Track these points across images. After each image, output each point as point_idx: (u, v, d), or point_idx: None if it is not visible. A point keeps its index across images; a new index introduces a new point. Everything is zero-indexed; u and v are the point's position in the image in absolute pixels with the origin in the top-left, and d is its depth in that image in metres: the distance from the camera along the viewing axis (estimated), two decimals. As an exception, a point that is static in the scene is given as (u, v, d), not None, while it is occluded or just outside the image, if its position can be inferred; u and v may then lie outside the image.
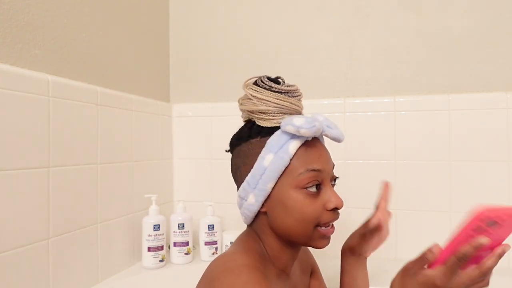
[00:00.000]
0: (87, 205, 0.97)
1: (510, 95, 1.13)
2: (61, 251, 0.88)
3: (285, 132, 0.63)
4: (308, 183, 0.62)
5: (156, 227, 1.12)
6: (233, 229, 1.28)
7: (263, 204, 0.65)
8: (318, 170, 0.63)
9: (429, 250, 0.53)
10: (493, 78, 1.16)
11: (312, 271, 0.84)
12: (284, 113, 0.65)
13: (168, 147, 1.38)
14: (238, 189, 0.69)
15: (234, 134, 0.70)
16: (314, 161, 0.63)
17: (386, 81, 1.24)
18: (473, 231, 0.50)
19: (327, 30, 1.29)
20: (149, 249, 1.12)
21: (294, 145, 0.62)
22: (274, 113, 0.65)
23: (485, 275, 0.51)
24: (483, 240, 0.49)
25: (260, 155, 0.63)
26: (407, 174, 1.20)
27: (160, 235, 1.13)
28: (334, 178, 0.68)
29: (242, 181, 0.66)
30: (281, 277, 0.67)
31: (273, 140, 0.63)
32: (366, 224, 0.78)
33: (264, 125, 0.65)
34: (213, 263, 0.63)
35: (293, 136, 0.63)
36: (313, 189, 0.62)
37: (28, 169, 0.79)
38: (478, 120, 1.15)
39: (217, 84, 1.39)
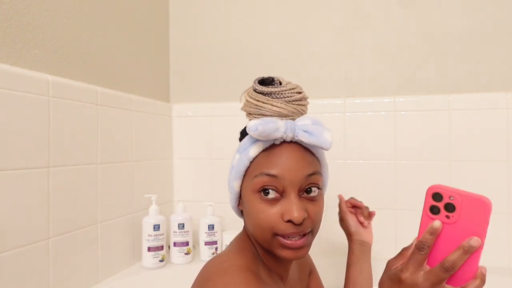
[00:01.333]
0: (87, 205, 0.97)
1: (510, 95, 1.13)
2: (61, 251, 0.88)
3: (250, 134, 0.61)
4: (262, 187, 0.59)
5: (156, 227, 1.13)
6: (233, 229, 1.28)
7: (239, 202, 0.67)
8: (273, 176, 0.59)
9: (406, 248, 0.52)
10: (493, 78, 1.16)
11: (311, 273, 0.85)
12: (265, 115, 0.62)
13: (168, 147, 1.38)
14: None
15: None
16: (271, 166, 0.59)
17: (386, 81, 1.24)
18: (430, 213, 0.49)
19: (327, 30, 1.29)
20: (149, 249, 1.12)
21: (256, 148, 0.61)
22: (255, 114, 0.63)
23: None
24: (436, 223, 0.47)
25: (236, 152, 0.66)
26: (407, 174, 1.20)
27: (160, 235, 1.13)
28: (307, 189, 0.61)
29: None
30: (276, 278, 0.67)
31: (243, 141, 0.65)
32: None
33: None
34: (208, 264, 0.63)
35: (258, 140, 0.61)
36: (268, 195, 0.59)
37: (28, 169, 0.79)
38: (478, 120, 1.15)
39: (217, 84, 1.39)
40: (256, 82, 0.64)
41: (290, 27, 1.32)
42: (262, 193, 0.60)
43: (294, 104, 0.63)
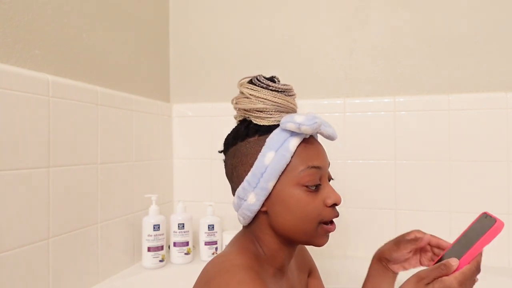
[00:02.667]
0: (87, 205, 0.97)
1: (510, 95, 1.13)
2: (61, 251, 0.88)
3: (285, 130, 0.63)
4: (309, 180, 0.62)
5: (156, 227, 1.12)
6: (233, 229, 1.28)
7: (263, 203, 0.64)
8: (318, 167, 0.63)
9: (445, 265, 0.53)
10: (493, 78, 1.16)
11: (311, 271, 0.84)
12: (281, 112, 0.65)
13: (168, 147, 1.38)
14: (234, 190, 0.68)
15: (229, 134, 0.70)
16: (313, 158, 0.64)
17: (386, 81, 1.24)
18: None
19: (327, 30, 1.29)
20: (149, 249, 1.12)
21: (294, 142, 0.62)
22: (271, 111, 0.65)
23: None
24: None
25: (260, 153, 0.63)
26: (407, 174, 1.20)
27: (160, 235, 1.13)
28: (330, 177, 0.68)
29: (240, 181, 0.65)
30: (277, 277, 0.67)
31: (273, 138, 0.63)
32: (405, 233, 0.73)
33: (261, 124, 0.65)
34: (209, 264, 0.63)
35: (292, 134, 0.63)
36: (313, 186, 0.62)
37: (28, 169, 0.79)
38: (478, 120, 1.15)
39: (217, 84, 1.39)
40: (264, 79, 0.66)
41: (290, 27, 1.32)
42: (307, 186, 0.62)
43: (295, 101, 0.69)
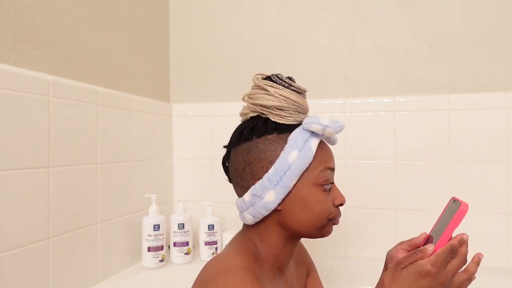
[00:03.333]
0: (87, 205, 0.97)
1: (510, 95, 1.13)
2: (61, 251, 0.88)
3: (306, 130, 0.65)
4: (325, 180, 0.65)
5: (156, 227, 1.13)
6: (233, 229, 1.28)
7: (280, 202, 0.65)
8: (332, 169, 0.67)
9: (421, 250, 0.56)
10: (493, 78, 1.16)
11: (309, 271, 0.84)
12: (300, 112, 0.67)
13: (168, 147, 1.38)
14: (242, 187, 0.67)
15: (242, 129, 0.68)
16: (329, 159, 0.67)
17: (386, 81, 1.24)
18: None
19: (327, 30, 1.29)
20: (149, 249, 1.12)
21: (315, 143, 0.64)
22: (292, 110, 0.66)
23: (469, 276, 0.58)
24: (465, 236, 0.57)
25: (283, 151, 0.63)
26: (407, 174, 1.20)
27: (160, 235, 1.13)
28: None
29: (254, 179, 0.65)
30: (276, 277, 0.67)
31: (297, 137, 0.64)
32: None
33: (280, 122, 0.66)
34: (207, 264, 0.63)
35: (312, 134, 0.65)
36: (328, 186, 0.65)
37: (28, 169, 0.79)
38: (478, 120, 1.15)
39: (217, 84, 1.39)
40: (286, 78, 0.67)
41: (290, 27, 1.32)
42: (324, 186, 0.65)
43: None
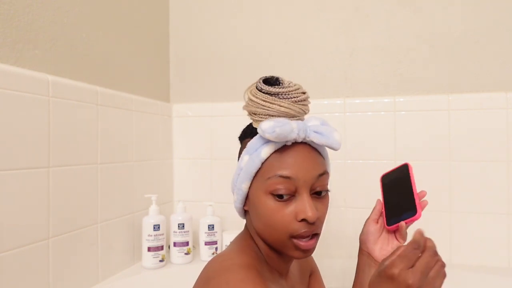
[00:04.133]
0: (87, 205, 0.97)
1: (510, 95, 1.13)
2: (61, 251, 0.88)
3: (260, 135, 0.61)
4: (276, 189, 0.60)
5: (156, 227, 1.12)
6: (233, 229, 1.28)
7: (245, 203, 0.67)
8: (287, 177, 0.60)
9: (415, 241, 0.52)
10: (493, 78, 1.16)
11: (312, 273, 0.84)
12: (272, 115, 0.62)
13: (168, 147, 1.38)
14: None
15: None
16: (285, 167, 0.60)
17: (386, 81, 1.24)
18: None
19: (327, 30, 1.29)
20: (149, 249, 1.12)
21: (268, 149, 0.61)
22: (262, 115, 0.62)
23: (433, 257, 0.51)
24: (421, 230, 0.53)
25: (241, 155, 0.66)
26: (407, 174, 1.20)
27: (160, 235, 1.13)
28: (318, 191, 0.63)
29: None
30: (277, 276, 0.68)
31: (252, 142, 0.63)
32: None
33: (255, 126, 0.64)
34: (210, 263, 0.63)
35: (269, 140, 0.61)
36: (281, 196, 0.60)
37: (28, 169, 0.79)
38: (478, 120, 1.15)
39: (217, 84, 1.39)
40: (261, 81, 0.63)
41: (290, 27, 1.32)
42: (275, 195, 0.60)
43: (299, 104, 0.63)
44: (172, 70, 1.44)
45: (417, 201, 0.67)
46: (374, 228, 0.73)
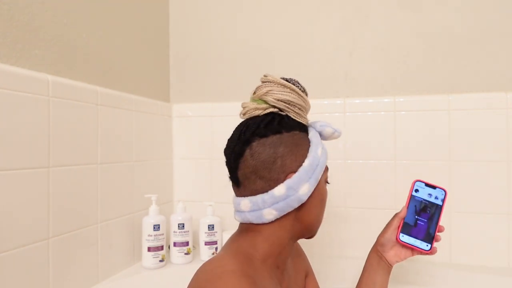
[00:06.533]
0: (87, 205, 0.97)
1: (510, 95, 1.13)
2: (61, 251, 0.88)
3: (316, 132, 0.71)
4: (327, 177, 0.73)
5: (156, 227, 1.13)
6: (233, 229, 1.28)
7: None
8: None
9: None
10: (493, 78, 1.16)
11: (307, 274, 0.85)
12: (306, 117, 0.73)
13: (168, 147, 1.38)
14: (271, 179, 0.64)
15: (268, 121, 0.66)
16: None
17: (386, 81, 1.24)
18: None
19: (327, 30, 1.29)
20: (149, 249, 1.12)
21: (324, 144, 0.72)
22: (306, 112, 0.72)
23: None
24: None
25: (311, 147, 0.67)
26: (407, 174, 1.20)
27: (160, 235, 1.13)
28: None
29: (286, 172, 0.64)
30: (273, 279, 0.65)
31: (316, 136, 0.69)
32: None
33: (299, 121, 0.70)
34: (199, 270, 0.60)
35: (320, 136, 0.72)
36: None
37: (28, 169, 0.79)
38: (478, 120, 1.15)
39: (217, 84, 1.39)
40: (299, 84, 0.72)
41: (290, 26, 1.32)
42: (327, 182, 0.73)
43: None
44: (172, 70, 1.44)
45: (436, 237, 0.76)
46: (394, 236, 0.80)
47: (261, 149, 0.64)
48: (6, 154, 0.75)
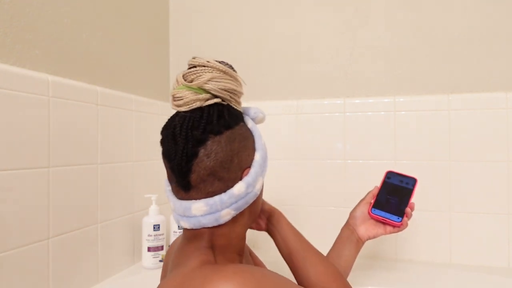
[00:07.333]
0: (87, 205, 0.97)
1: (510, 95, 1.13)
2: (61, 251, 0.88)
3: (249, 119, 0.65)
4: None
5: (156, 227, 1.13)
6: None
7: None
8: None
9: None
10: (493, 78, 1.16)
11: (250, 252, 0.83)
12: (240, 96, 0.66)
13: (168, 147, 1.38)
14: (229, 179, 0.59)
15: (219, 116, 0.59)
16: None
17: (386, 81, 1.24)
18: None
19: (327, 30, 1.29)
20: (149, 249, 1.12)
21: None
22: (239, 96, 0.65)
23: None
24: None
25: (256, 137, 0.64)
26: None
27: (160, 235, 1.13)
28: None
29: (242, 169, 0.60)
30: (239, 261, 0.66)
31: (253, 125, 0.65)
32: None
33: (239, 109, 0.65)
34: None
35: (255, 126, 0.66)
36: None
37: (28, 169, 0.79)
38: (478, 120, 1.15)
39: (217, 84, 1.39)
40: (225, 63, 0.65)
41: (290, 27, 1.32)
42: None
43: None
44: (172, 70, 1.44)
45: (406, 213, 0.79)
46: (366, 209, 0.84)
47: (217, 148, 0.57)
48: (6, 154, 0.75)
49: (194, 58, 0.62)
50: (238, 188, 0.59)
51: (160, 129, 0.68)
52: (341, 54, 1.28)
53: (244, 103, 0.72)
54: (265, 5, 1.35)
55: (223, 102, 0.61)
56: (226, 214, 0.59)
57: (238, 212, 0.60)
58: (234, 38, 1.38)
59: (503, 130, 1.13)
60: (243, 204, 0.60)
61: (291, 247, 0.71)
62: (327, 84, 1.29)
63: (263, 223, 0.77)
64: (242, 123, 0.62)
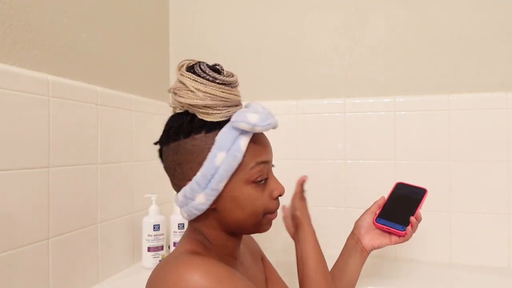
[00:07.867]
0: (87, 205, 0.97)
1: (510, 95, 1.13)
2: (61, 251, 0.88)
3: (234, 128, 0.60)
4: (258, 176, 0.62)
5: (156, 227, 1.13)
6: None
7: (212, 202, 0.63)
8: (266, 162, 0.64)
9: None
10: (493, 78, 1.16)
11: (263, 258, 0.85)
12: (229, 106, 0.62)
13: (168, 147, 1.38)
14: (176, 185, 0.65)
15: (169, 126, 0.65)
16: (262, 153, 0.63)
17: (386, 81, 1.24)
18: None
19: (327, 30, 1.29)
20: (149, 249, 1.12)
21: (245, 141, 0.60)
22: (220, 107, 0.61)
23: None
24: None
25: (210, 153, 0.60)
26: (407, 174, 1.20)
27: (160, 235, 1.13)
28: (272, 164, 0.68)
29: (185, 179, 0.62)
30: (229, 264, 0.66)
31: (223, 137, 0.60)
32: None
33: (208, 120, 0.61)
34: (155, 270, 0.61)
35: (242, 132, 0.60)
36: (262, 181, 0.63)
37: (28, 169, 0.79)
38: (478, 120, 1.15)
39: (217, 84, 1.39)
40: (210, 71, 0.63)
41: (290, 26, 1.32)
42: (256, 182, 0.62)
43: (238, 91, 0.66)
44: (172, 70, 1.44)
45: (412, 223, 0.78)
46: (371, 219, 0.82)
47: (165, 156, 0.67)
48: (6, 154, 0.75)
49: (178, 66, 0.67)
50: (179, 195, 0.64)
51: (160, 129, 0.70)
52: (341, 54, 1.28)
53: (244, 104, 0.72)
54: (265, 5, 1.35)
55: (189, 112, 0.63)
56: (183, 214, 0.65)
57: (190, 216, 0.65)
58: (234, 38, 1.38)
59: (503, 130, 1.13)
60: (188, 211, 0.64)
61: (305, 270, 0.72)
62: (327, 84, 1.29)
63: (293, 230, 0.78)
64: (194, 136, 0.61)
